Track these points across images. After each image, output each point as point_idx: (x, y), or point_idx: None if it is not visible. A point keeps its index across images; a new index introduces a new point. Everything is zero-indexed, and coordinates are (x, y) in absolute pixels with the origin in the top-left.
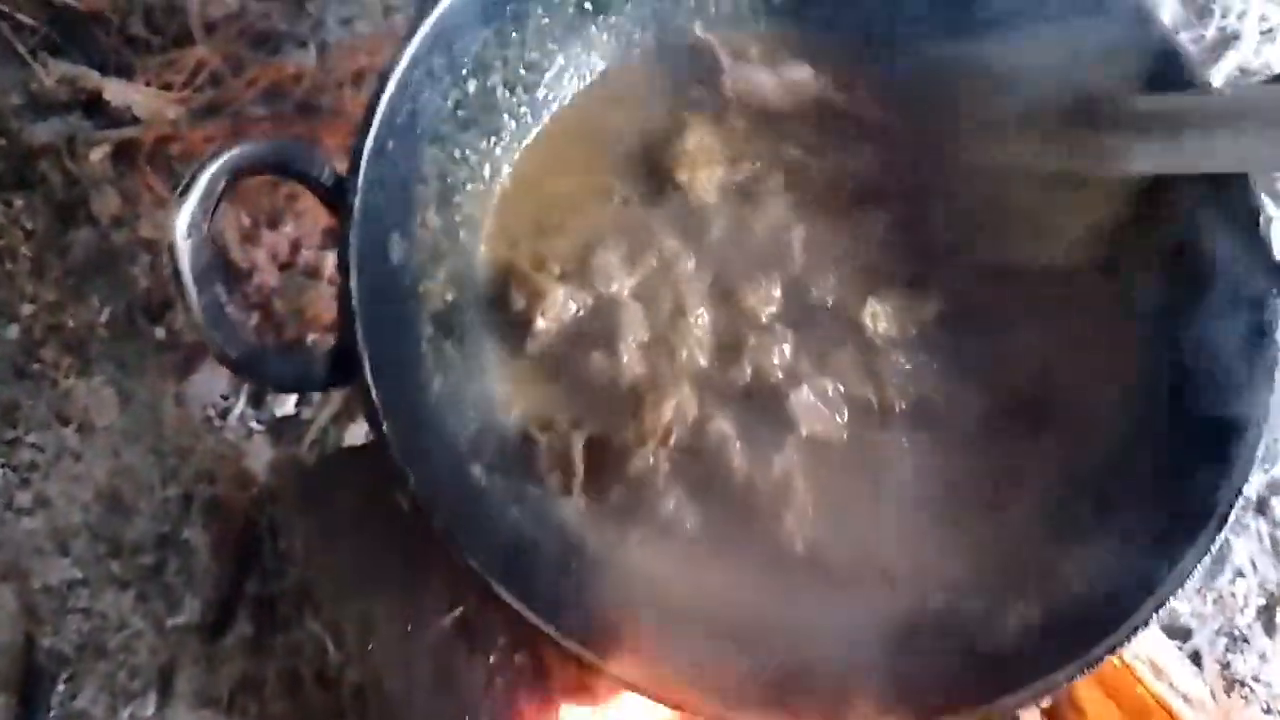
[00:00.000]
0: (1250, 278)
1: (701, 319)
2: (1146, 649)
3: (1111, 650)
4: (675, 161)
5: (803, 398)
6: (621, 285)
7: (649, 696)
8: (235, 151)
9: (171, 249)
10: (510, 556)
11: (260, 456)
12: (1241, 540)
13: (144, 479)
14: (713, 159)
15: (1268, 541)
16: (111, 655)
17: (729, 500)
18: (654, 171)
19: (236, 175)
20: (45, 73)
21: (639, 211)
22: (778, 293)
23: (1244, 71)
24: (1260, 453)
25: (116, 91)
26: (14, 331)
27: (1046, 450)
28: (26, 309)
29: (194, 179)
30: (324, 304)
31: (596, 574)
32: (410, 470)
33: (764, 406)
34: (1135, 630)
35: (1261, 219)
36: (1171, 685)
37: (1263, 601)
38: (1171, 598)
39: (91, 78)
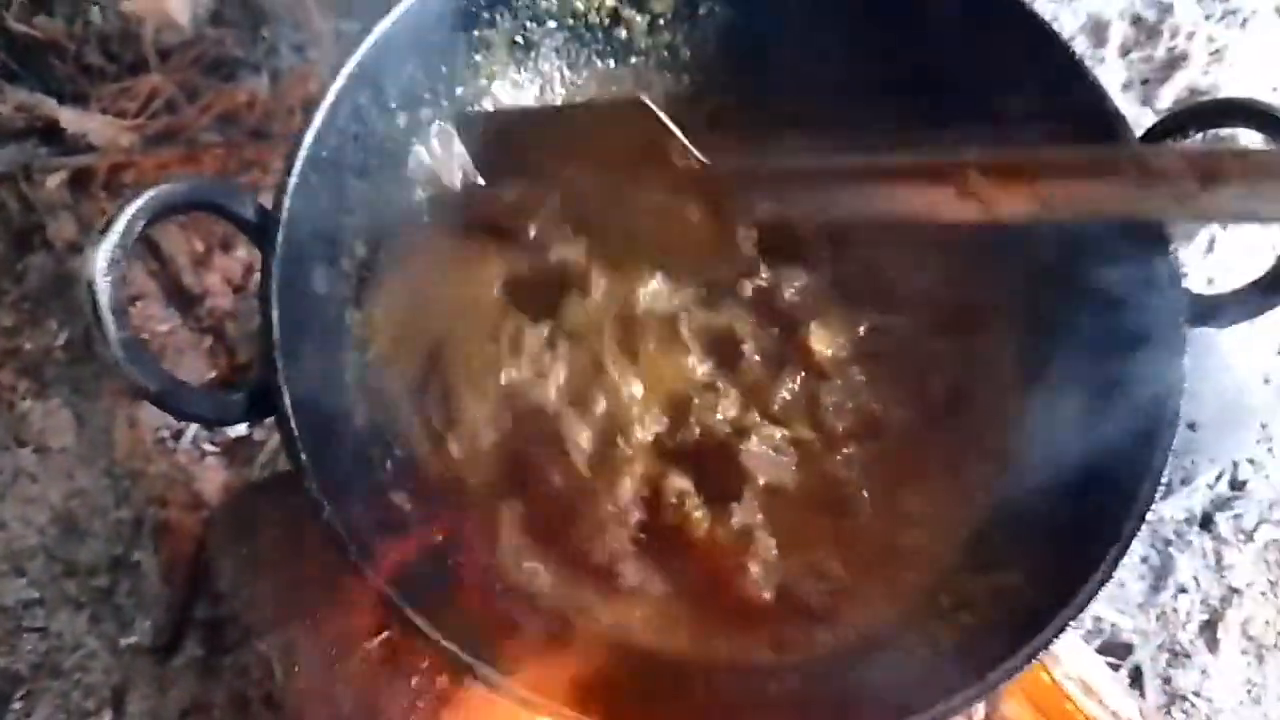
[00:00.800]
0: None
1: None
2: (1076, 668)
3: (1018, 670)
4: None
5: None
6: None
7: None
8: (154, 192)
9: (89, 286)
10: (430, 585)
11: (212, 480)
12: (1185, 556)
13: (98, 501)
14: None
15: (1211, 558)
16: (66, 675)
17: (694, 560)
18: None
19: (157, 215)
20: (2, 100)
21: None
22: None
23: (1193, 91)
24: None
25: (72, 119)
26: None
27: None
28: None
29: (113, 219)
30: None
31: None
32: (326, 502)
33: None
34: (1037, 652)
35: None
36: (1101, 703)
37: (1205, 617)
38: (1070, 623)
39: (47, 105)
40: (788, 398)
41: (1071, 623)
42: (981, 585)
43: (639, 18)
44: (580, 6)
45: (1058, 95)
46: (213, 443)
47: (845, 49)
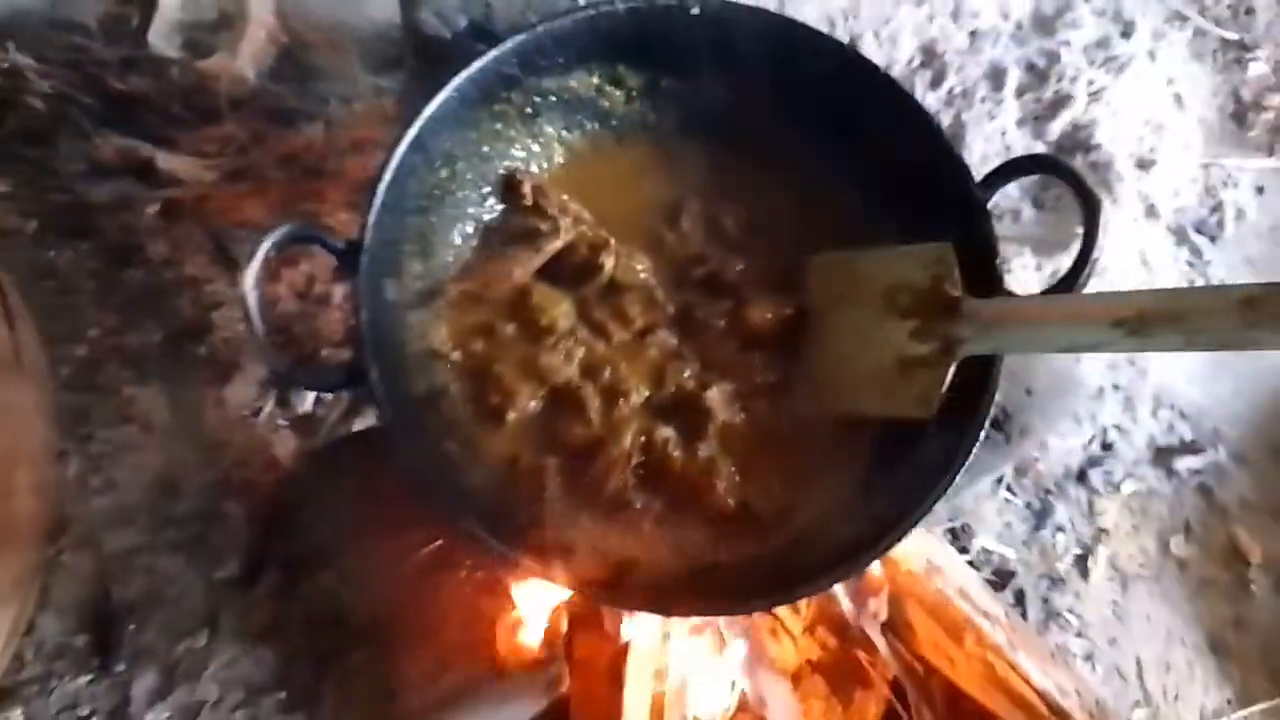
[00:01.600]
0: None
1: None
2: (955, 580)
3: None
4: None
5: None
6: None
7: (562, 585)
8: (282, 231)
9: (244, 297)
10: (471, 504)
11: (285, 447)
12: (1062, 504)
13: (191, 466)
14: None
15: (1085, 506)
16: (170, 603)
17: (678, 484)
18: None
19: (282, 247)
20: (104, 143)
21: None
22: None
23: (1075, 125)
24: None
25: (163, 159)
26: (82, 350)
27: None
28: (92, 332)
29: (255, 250)
30: (332, 326)
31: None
32: (402, 444)
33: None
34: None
35: None
36: (975, 606)
37: (1079, 552)
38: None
39: (143, 148)
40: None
41: (927, 515)
42: (876, 494)
43: (617, 92)
44: (573, 85)
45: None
46: (285, 418)
47: (767, 105)
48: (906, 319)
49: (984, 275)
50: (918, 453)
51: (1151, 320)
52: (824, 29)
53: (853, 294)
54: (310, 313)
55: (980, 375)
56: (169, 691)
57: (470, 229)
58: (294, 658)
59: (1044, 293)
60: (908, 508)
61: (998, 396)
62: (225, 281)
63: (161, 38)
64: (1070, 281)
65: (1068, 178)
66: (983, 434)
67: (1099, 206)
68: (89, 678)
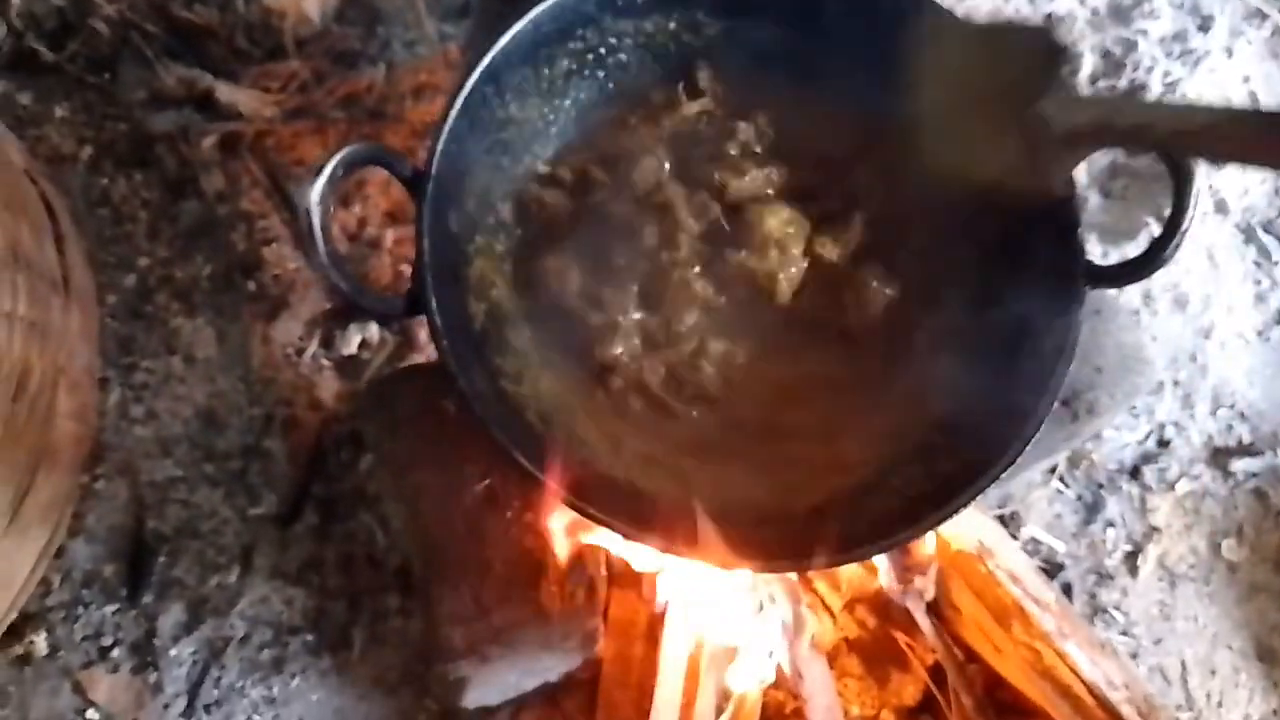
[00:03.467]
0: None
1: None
2: (1007, 562)
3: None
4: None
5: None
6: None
7: (616, 531)
8: (350, 149)
9: (307, 211)
10: (524, 440)
11: (329, 387)
12: (1114, 499)
13: (234, 401)
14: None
15: (1137, 502)
16: (203, 537)
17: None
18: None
19: (350, 166)
20: (165, 73)
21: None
22: None
23: None
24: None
25: (225, 92)
26: (131, 280)
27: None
28: (143, 262)
29: (323, 166)
30: (383, 269)
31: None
32: (460, 375)
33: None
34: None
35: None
36: (1025, 591)
37: (1129, 549)
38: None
39: (204, 79)
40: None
41: (987, 489)
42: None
43: (693, 38)
44: (649, 28)
45: None
46: (329, 359)
47: (842, 62)
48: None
49: (1065, 245)
50: (981, 421)
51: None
52: None
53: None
54: (361, 255)
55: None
56: (195, 626)
57: (536, 166)
58: (326, 600)
59: (1130, 263)
60: (968, 476)
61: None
62: (279, 218)
63: None
64: (1156, 254)
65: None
66: (1057, 399)
67: (1192, 177)
68: (115, 607)
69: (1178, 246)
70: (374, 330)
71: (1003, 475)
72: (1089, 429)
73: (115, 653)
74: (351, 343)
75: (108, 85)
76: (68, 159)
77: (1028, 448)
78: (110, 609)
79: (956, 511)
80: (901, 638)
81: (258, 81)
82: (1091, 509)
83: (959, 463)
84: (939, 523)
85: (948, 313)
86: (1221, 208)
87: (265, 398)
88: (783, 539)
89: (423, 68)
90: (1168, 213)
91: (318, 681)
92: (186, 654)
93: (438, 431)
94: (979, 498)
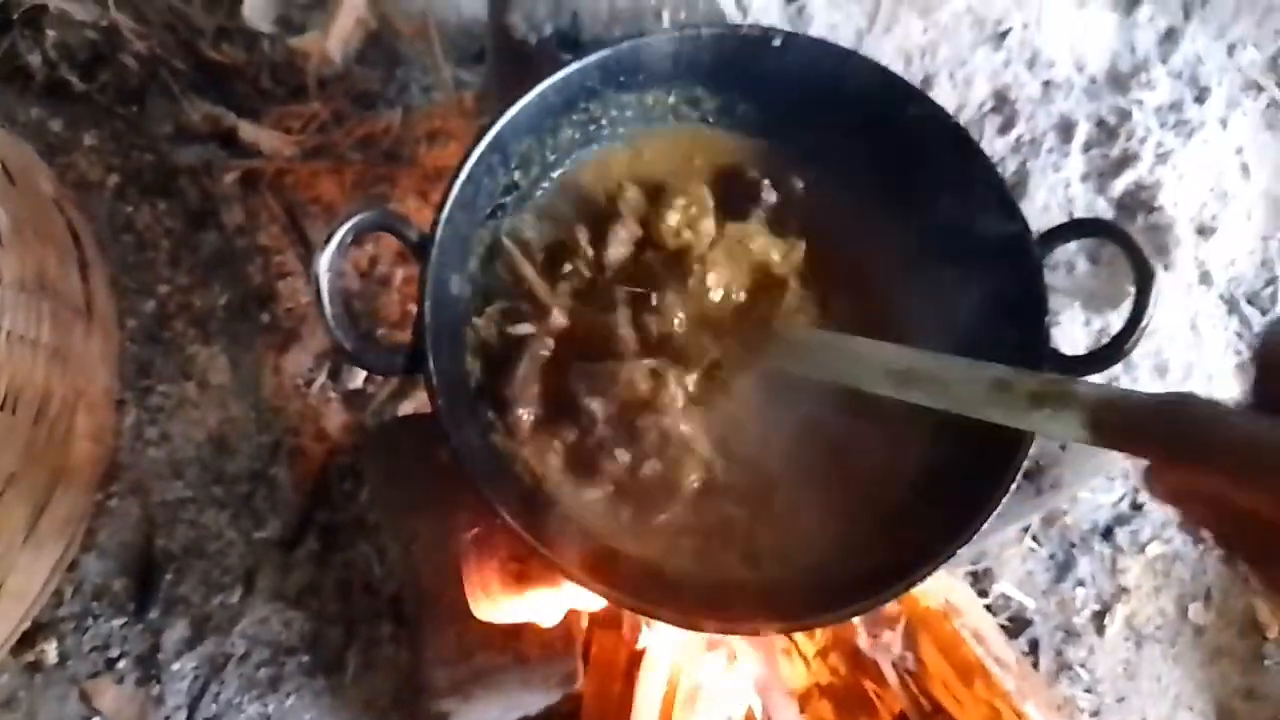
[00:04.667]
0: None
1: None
2: (972, 621)
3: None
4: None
5: None
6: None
7: (589, 589)
8: (358, 217)
9: (315, 279)
10: (513, 496)
11: (335, 419)
12: (1086, 559)
13: (244, 427)
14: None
15: (1108, 562)
16: (209, 557)
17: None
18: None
19: (359, 233)
20: (191, 108)
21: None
22: None
23: (1139, 185)
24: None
25: (247, 130)
26: (151, 305)
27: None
28: (163, 289)
29: (332, 233)
30: (391, 307)
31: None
32: (452, 433)
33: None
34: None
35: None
36: (988, 651)
37: (1097, 608)
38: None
39: (228, 117)
40: None
41: (951, 557)
42: (904, 526)
43: (692, 112)
44: (649, 101)
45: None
46: (335, 391)
47: (836, 136)
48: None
49: (1032, 330)
50: (949, 491)
51: (917, 378)
52: (899, 66)
53: None
54: (371, 292)
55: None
56: (198, 643)
57: (533, 231)
58: (323, 623)
59: (1093, 354)
60: (936, 545)
61: (1032, 449)
62: (294, 254)
63: (256, 12)
64: (1118, 346)
65: (1125, 244)
66: (1015, 484)
67: (1153, 278)
68: (123, 621)
69: (1137, 342)
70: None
71: (965, 545)
72: (1054, 501)
73: (121, 664)
74: (358, 377)
75: (136, 117)
76: (95, 186)
77: (988, 521)
78: (118, 622)
79: (927, 576)
80: (870, 686)
81: (279, 121)
82: (1063, 568)
83: (931, 530)
84: (912, 586)
85: None
86: (1206, 279)
87: (274, 426)
88: (767, 601)
89: (437, 113)
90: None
91: (311, 702)
92: (189, 669)
93: (432, 480)
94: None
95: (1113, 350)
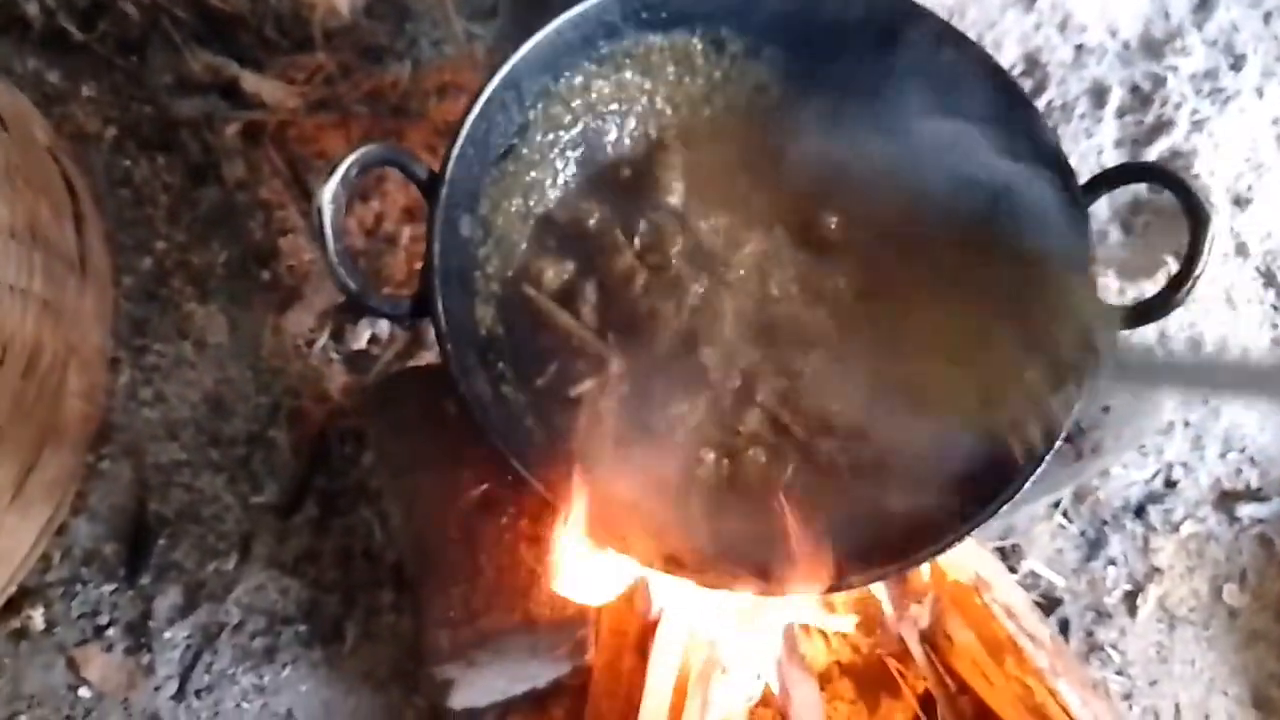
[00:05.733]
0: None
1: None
2: (1003, 596)
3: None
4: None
5: None
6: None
7: (607, 545)
8: (365, 150)
9: (319, 210)
10: (523, 446)
11: (336, 380)
12: (1118, 537)
13: (242, 388)
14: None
15: (1140, 541)
16: (204, 522)
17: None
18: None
19: (365, 167)
20: (193, 59)
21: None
22: None
23: (1174, 153)
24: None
25: (250, 81)
26: (148, 262)
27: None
28: (160, 245)
29: (337, 165)
30: (398, 266)
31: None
32: (460, 381)
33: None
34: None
35: None
36: (1020, 626)
37: (1129, 588)
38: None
39: (231, 67)
40: None
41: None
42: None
43: (717, 55)
44: (674, 42)
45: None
46: (338, 352)
47: (871, 82)
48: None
49: (1078, 281)
50: (985, 458)
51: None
52: None
53: None
54: (376, 251)
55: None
56: (191, 610)
57: (550, 175)
58: (320, 592)
59: (1143, 304)
60: (967, 510)
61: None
62: (297, 209)
63: None
64: (1169, 295)
65: (1179, 189)
66: (1051, 452)
67: (1209, 221)
68: (113, 587)
69: (1190, 291)
70: (384, 326)
71: (1001, 510)
72: (1094, 468)
73: (110, 632)
74: (361, 337)
75: (135, 68)
76: (92, 138)
77: (1028, 484)
78: (108, 588)
79: (952, 545)
80: (894, 664)
81: (284, 72)
82: (1094, 546)
83: (964, 493)
84: (938, 553)
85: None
86: (1242, 250)
87: (273, 387)
88: (790, 561)
89: (448, 67)
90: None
91: (308, 672)
92: (180, 637)
93: (438, 434)
94: (979, 531)
95: (1166, 298)
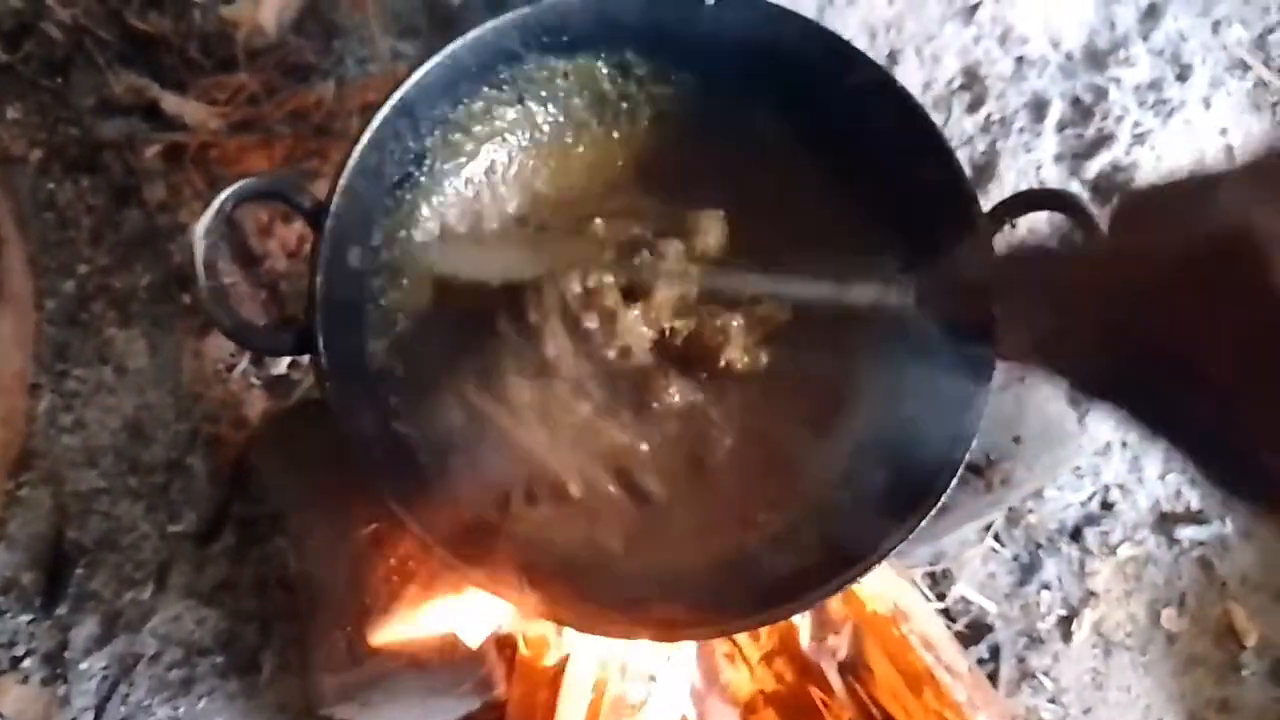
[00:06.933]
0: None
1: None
2: (920, 627)
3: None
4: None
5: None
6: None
7: (490, 591)
8: (241, 184)
9: (191, 248)
10: (409, 487)
11: (256, 406)
12: (1052, 561)
13: (162, 414)
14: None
15: (1076, 565)
16: (122, 550)
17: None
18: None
19: (241, 200)
20: (116, 80)
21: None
22: None
23: (1115, 167)
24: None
25: (172, 102)
26: (70, 286)
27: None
28: (82, 269)
29: (210, 201)
30: None
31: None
32: (342, 420)
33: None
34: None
35: None
36: (938, 658)
37: (1064, 613)
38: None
39: (153, 89)
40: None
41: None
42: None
43: (621, 80)
44: (576, 67)
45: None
46: (258, 377)
47: (775, 106)
48: None
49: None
50: (886, 487)
51: None
52: (863, 41)
53: None
54: (299, 272)
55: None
56: (108, 641)
57: (445, 204)
58: (238, 622)
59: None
60: (871, 543)
61: (978, 440)
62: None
63: None
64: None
65: (1083, 220)
66: (951, 483)
67: None
68: (30, 617)
69: None
70: None
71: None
72: (1007, 499)
73: (26, 663)
74: (281, 362)
75: (61, 89)
76: (17, 160)
77: (926, 520)
78: (25, 618)
79: (858, 577)
80: (817, 694)
81: (206, 93)
82: (1027, 570)
83: (867, 528)
84: (843, 586)
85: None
86: None
87: (193, 413)
88: (691, 604)
89: (372, 85)
90: None
91: (224, 704)
92: (97, 668)
93: (330, 470)
94: (898, 557)
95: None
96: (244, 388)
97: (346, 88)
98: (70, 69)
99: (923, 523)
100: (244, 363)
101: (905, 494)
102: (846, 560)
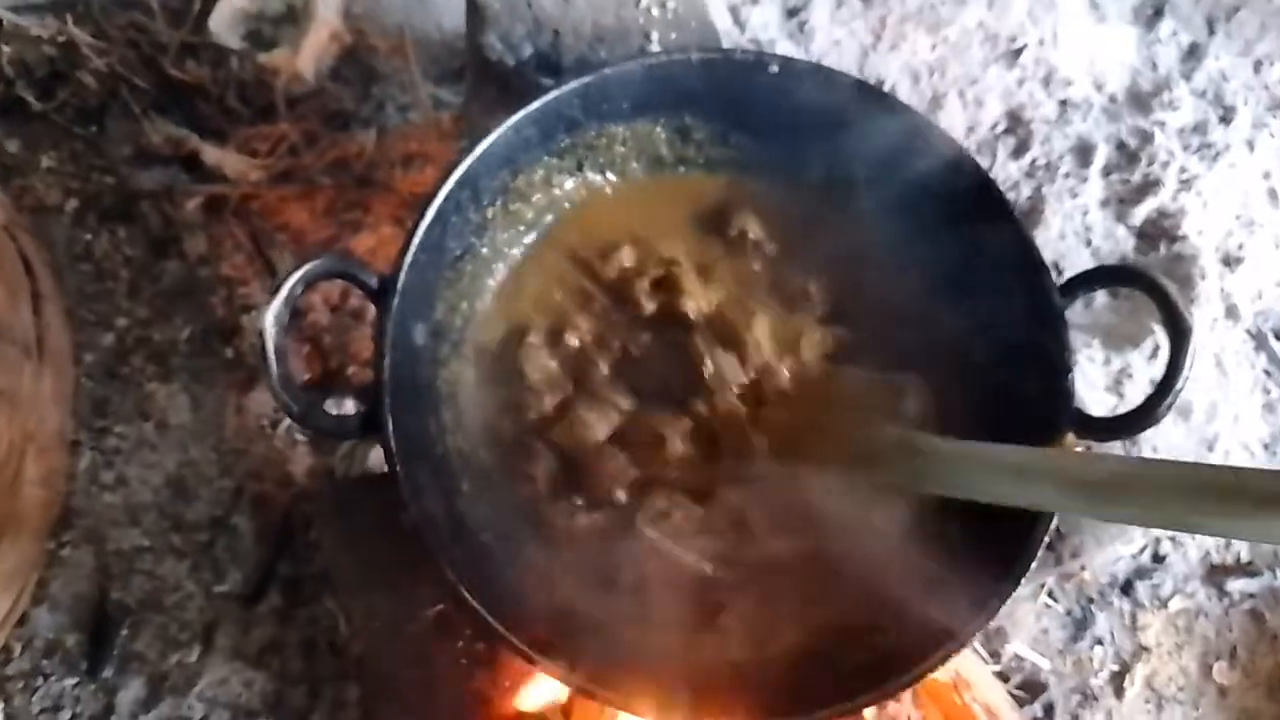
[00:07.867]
0: None
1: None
2: (984, 695)
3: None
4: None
5: None
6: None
7: (552, 675)
8: (309, 267)
9: (261, 333)
10: (479, 573)
11: (301, 463)
12: (1104, 615)
13: (205, 471)
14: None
15: (1128, 619)
16: (167, 611)
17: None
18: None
19: (310, 282)
20: (152, 129)
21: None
22: None
23: (1161, 213)
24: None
25: (211, 153)
26: (109, 339)
27: None
28: (121, 322)
29: (282, 283)
30: (364, 342)
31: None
32: (411, 502)
33: None
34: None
35: None
36: None
37: (1116, 668)
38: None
39: (192, 139)
40: None
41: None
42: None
43: (681, 144)
44: (636, 132)
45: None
46: (303, 433)
47: (839, 174)
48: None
49: (1053, 386)
50: (964, 567)
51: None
52: (906, 84)
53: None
54: (342, 325)
55: None
56: (154, 704)
57: (508, 273)
58: (285, 685)
59: (1118, 419)
60: (951, 626)
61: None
62: (259, 285)
63: (223, 26)
64: (1149, 410)
65: (1159, 297)
66: (1034, 562)
67: (1189, 335)
68: (75, 680)
69: (1170, 406)
70: (350, 406)
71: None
72: (1074, 565)
73: None
74: None
75: (95, 137)
76: (52, 210)
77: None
78: (70, 681)
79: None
80: None
81: (246, 143)
82: (1080, 625)
83: (941, 615)
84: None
85: None
86: (1232, 313)
87: (236, 470)
88: (759, 696)
89: (414, 134)
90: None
91: None
92: None
93: (393, 549)
94: None
95: (1143, 415)
96: (288, 444)
97: (388, 136)
98: (105, 117)
99: (998, 610)
100: (288, 420)
101: (980, 584)
102: (929, 646)
